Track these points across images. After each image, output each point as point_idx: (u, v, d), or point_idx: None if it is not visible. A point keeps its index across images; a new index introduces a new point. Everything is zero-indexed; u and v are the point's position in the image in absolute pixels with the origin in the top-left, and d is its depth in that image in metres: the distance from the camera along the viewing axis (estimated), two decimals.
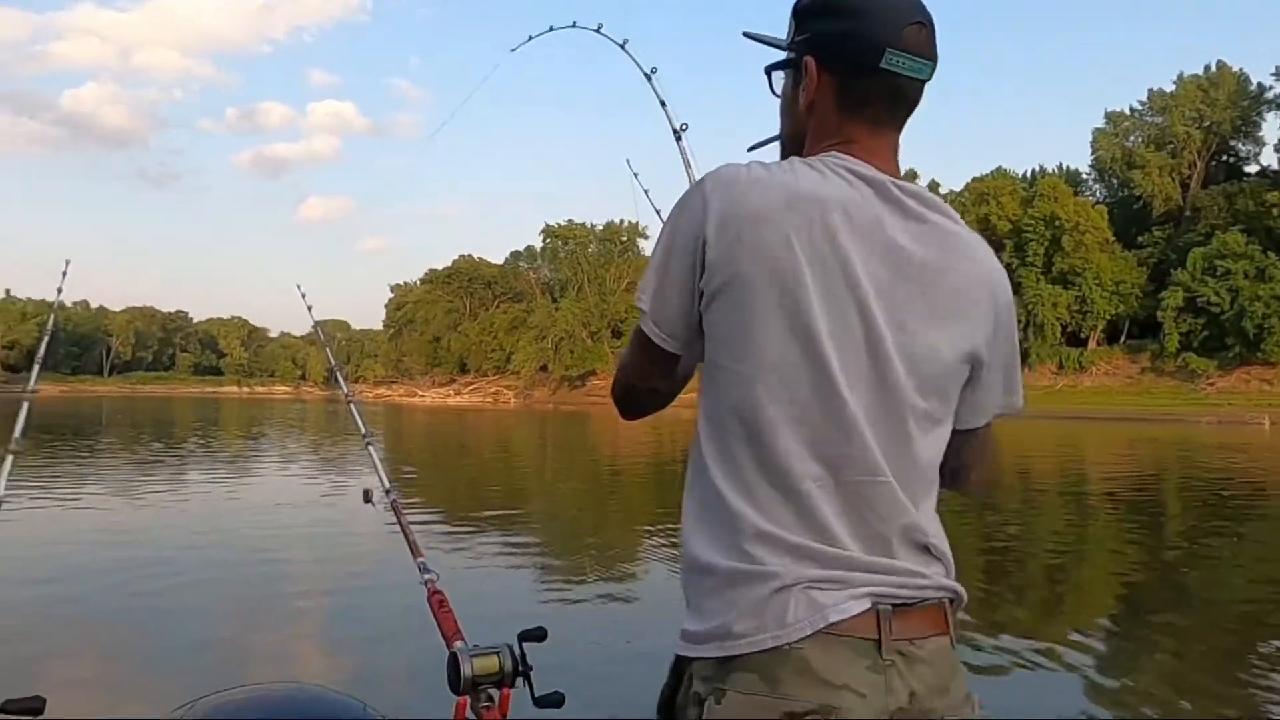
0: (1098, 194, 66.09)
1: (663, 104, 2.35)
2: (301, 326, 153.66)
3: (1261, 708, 4.62)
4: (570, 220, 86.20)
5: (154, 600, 6.26)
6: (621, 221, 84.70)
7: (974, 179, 64.28)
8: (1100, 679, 5.04)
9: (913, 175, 72.10)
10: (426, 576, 1.96)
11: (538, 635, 1.62)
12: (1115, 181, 64.76)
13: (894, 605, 1.06)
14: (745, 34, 1.30)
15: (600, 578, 7.51)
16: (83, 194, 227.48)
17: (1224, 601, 7.12)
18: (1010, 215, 59.61)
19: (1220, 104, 58.75)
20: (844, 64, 1.16)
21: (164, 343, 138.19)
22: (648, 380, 1.26)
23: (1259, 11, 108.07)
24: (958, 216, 1.19)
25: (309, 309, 3.25)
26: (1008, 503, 14.22)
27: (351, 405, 2.74)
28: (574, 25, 2.79)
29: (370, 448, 2.50)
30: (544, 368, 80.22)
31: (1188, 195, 59.36)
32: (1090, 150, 65.97)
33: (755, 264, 1.07)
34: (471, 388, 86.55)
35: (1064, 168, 66.58)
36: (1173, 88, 61.17)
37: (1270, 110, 58.96)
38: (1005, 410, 1.24)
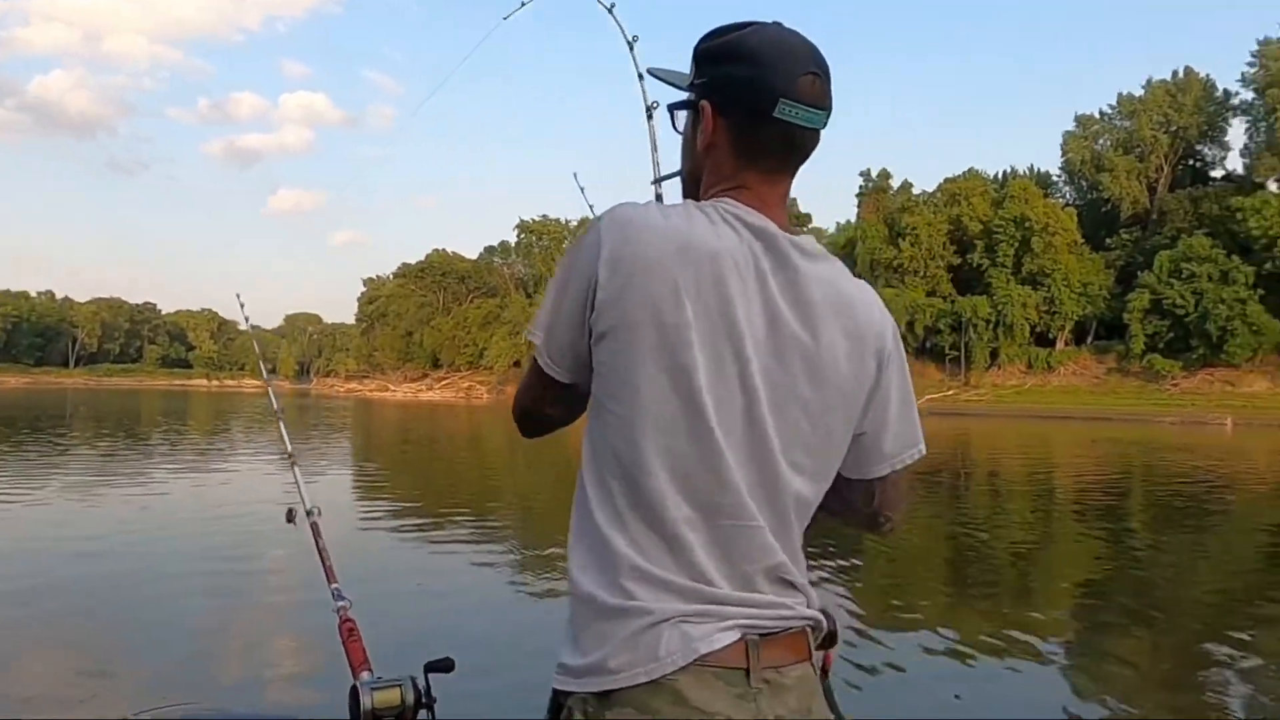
0: (1067, 196, 66.87)
1: (640, 76, 2.25)
2: (272, 320, 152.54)
3: (1216, 701, 4.73)
4: (545, 216, 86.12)
5: (33, 618, 5.80)
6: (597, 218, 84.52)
7: (946, 180, 64.74)
8: (1060, 675, 5.15)
9: (886, 175, 72.13)
10: (339, 604, 1.93)
11: (445, 666, 1.60)
12: (1084, 184, 65.53)
13: (760, 635, 1.10)
14: (649, 70, 1.32)
15: (532, 597, 7.03)
16: (49, 182, 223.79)
17: (1182, 600, 7.26)
18: (981, 216, 60.14)
19: (1187, 109, 59.60)
20: (739, 110, 1.18)
21: (131, 334, 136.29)
22: (541, 406, 1.28)
23: (1226, 19, 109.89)
24: (844, 269, 1.21)
25: (245, 319, 3.18)
26: (976, 501, 14.42)
27: (280, 423, 2.69)
28: None
29: (295, 467, 2.45)
30: (517, 363, 79.86)
31: (1155, 199, 60.20)
32: (1060, 153, 66.77)
33: (642, 310, 1.08)
34: (444, 383, 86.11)
35: (1034, 170, 67.29)
36: (1141, 92, 62.00)
37: (1235, 116, 59.93)
38: (903, 460, 1.25)
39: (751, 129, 1.18)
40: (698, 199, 1.21)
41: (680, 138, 1.30)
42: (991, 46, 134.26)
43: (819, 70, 1.17)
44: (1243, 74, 56.93)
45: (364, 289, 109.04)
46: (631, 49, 2.32)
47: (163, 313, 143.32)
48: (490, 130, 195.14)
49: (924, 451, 1.27)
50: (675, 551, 1.10)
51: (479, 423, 39.38)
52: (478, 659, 4.73)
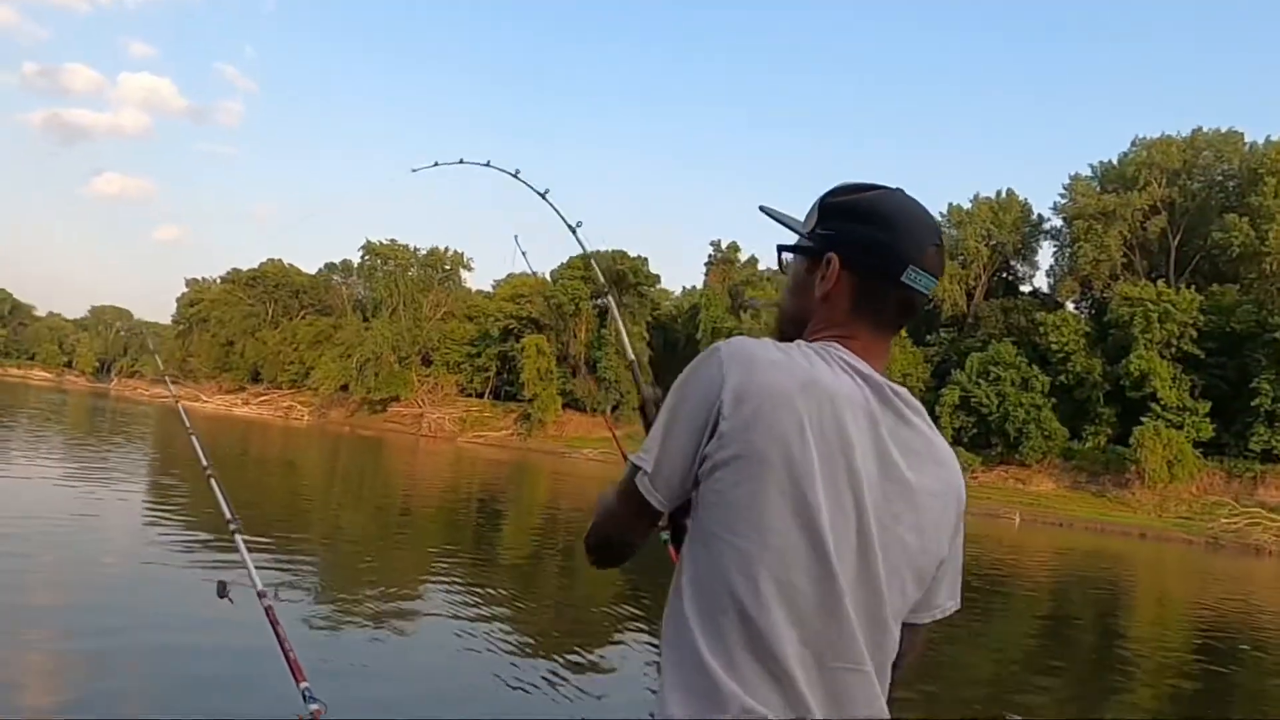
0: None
1: (562, 217, 2.75)
2: (76, 309, 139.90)
3: None
4: (394, 239, 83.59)
5: None
6: (446, 249, 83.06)
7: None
8: None
9: (735, 248, 74.19)
10: (312, 707, 1.64)
11: None
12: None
13: None
14: (761, 208, 1.41)
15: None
16: None
17: (960, 679, 7.57)
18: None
19: (1006, 226, 65.20)
20: (866, 270, 1.25)
21: None
22: (628, 534, 1.28)
23: (1046, 150, 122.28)
24: (931, 422, 1.28)
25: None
26: None
27: (193, 438, 2.32)
28: (488, 164, 3.13)
29: (238, 536, 2.07)
30: (344, 387, 76.61)
31: (972, 304, 65.18)
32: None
33: (769, 442, 1.10)
34: (262, 399, 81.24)
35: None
36: (969, 205, 67.47)
37: (1045, 239, 66.09)
38: (947, 611, 1.29)
39: (875, 288, 1.25)
40: (793, 339, 1.24)
41: (788, 276, 1.36)
42: (831, 151, 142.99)
43: (941, 242, 1.27)
44: (1055, 202, 63.05)
45: (186, 289, 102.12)
46: (575, 232, 2.71)
47: None
48: (346, 143, 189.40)
49: (960, 605, 1.31)
50: (785, 692, 1.09)
51: (295, 446, 37.22)
52: None
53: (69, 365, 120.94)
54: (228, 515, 2.25)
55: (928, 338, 64.75)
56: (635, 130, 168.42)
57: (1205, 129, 58.21)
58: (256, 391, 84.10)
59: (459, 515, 18.10)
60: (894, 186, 1.28)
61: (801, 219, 1.35)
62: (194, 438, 2.98)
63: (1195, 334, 48.71)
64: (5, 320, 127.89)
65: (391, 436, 59.45)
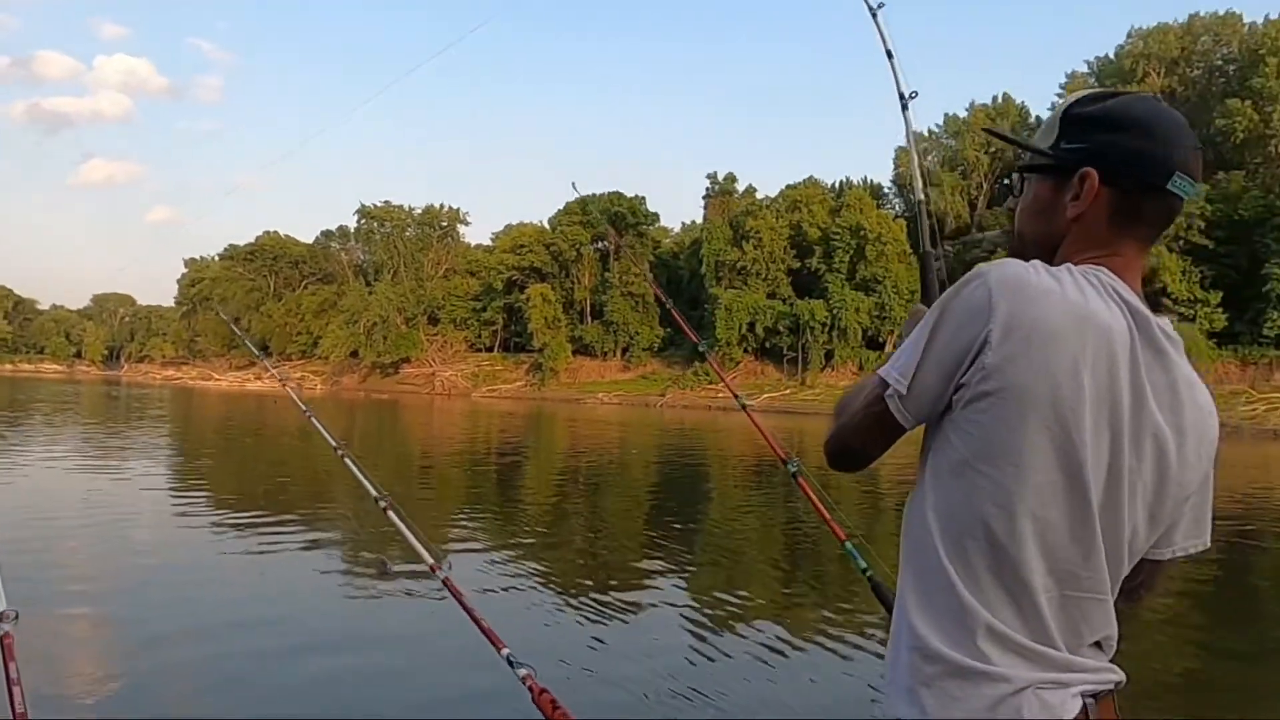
0: (897, 208, 70.70)
1: (889, 55, 2.45)
2: (78, 299, 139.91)
3: None
4: (387, 201, 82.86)
5: None
6: (442, 206, 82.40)
7: (788, 186, 67.04)
8: None
9: (732, 179, 73.89)
10: (522, 671, 1.61)
11: None
12: (912, 197, 69.18)
13: (1092, 697, 1.14)
14: (986, 130, 1.26)
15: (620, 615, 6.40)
16: None
17: None
18: (820, 223, 62.63)
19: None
20: (1130, 181, 1.18)
21: None
22: (871, 447, 1.27)
23: (1040, 52, 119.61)
24: (1185, 358, 1.21)
25: None
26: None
27: (313, 419, 2.26)
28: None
29: (389, 512, 2.03)
30: (354, 353, 76.80)
31: (975, 214, 64.57)
32: (892, 166, 70.49)
33: (1039, 380, 1.08)
34: (278, 372, 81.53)
35: (868, 181, 70.75)
36: (965, 114, 66.34)
37: None
38: (1185, 550, 1.27)
39: (1138, 202, 1.19)
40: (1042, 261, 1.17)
41: (1025, 198, 1.29)
42: (828, 61, 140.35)
43: (1199, 145, 1.20)
44: (1052, 103, 61.64)
45: (185, 270, 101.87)
46: (876, 16, 2.51)
47: None
48: (329, 110, 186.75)
49: (1208, 544, 1.28)
50: (1030, 618, 1.12)
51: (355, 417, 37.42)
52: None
53: (78, 356, 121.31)
54: (375, 493, 2.21)
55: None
56: (624, 71, 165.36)
57: (1202, 13, 56.91)
58: (267, 365, 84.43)
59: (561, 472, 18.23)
60: (1133, 91, 1.23)
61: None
62: (314, 419, 2.91)
63: (1203, 224, 48.17)
64: (10, 316, 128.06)
65: (406, 398, 59.76)
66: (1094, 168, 1.18)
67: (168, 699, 4.59)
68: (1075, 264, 1.17)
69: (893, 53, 2.52)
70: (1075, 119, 1.22)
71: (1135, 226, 1.20)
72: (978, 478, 1.11)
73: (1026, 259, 1.17)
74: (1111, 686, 1.17)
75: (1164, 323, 1.17)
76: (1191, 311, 47.70)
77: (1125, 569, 1.18)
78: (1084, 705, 1.12)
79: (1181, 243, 48.62)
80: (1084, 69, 60.93)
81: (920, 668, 1.13)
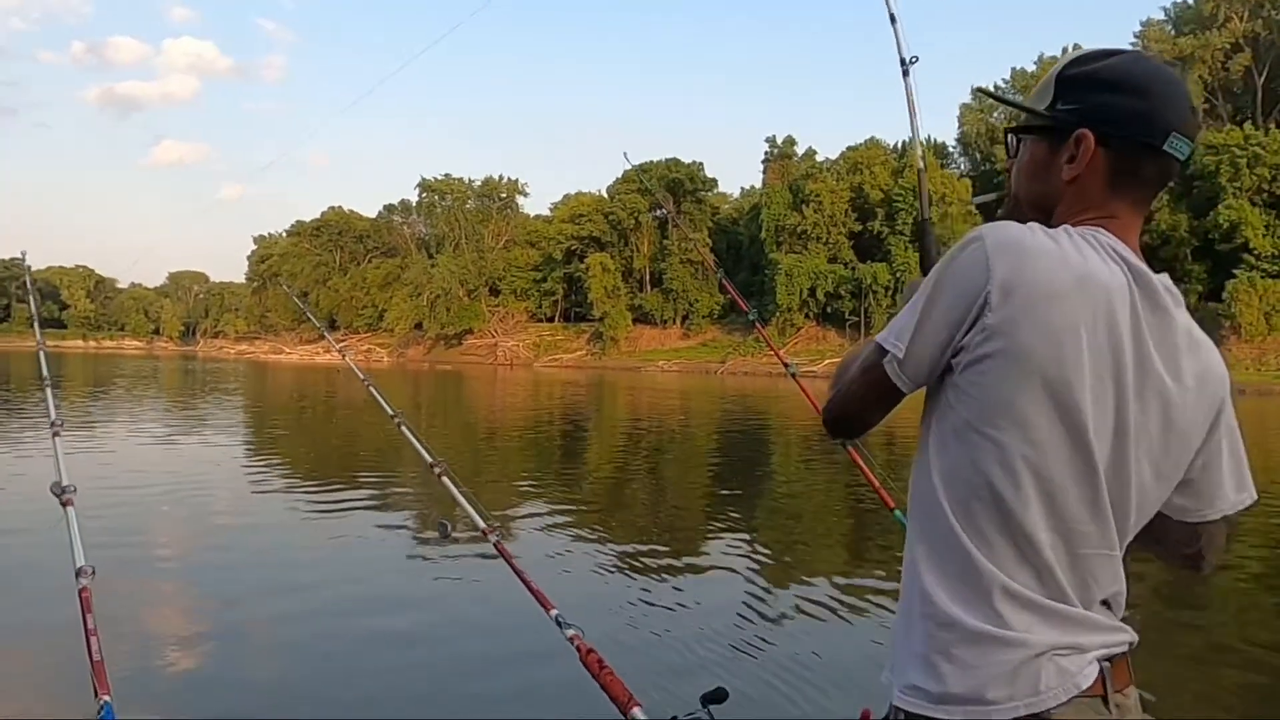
0: (962, 167, 68.89)
1: (892, 18, 2.41)
2: (154, 277, 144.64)
3: None
4: (448, 174, 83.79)
5: None
6: (501, 177, 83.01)
7: (849, 148, 65.78)
8: None
9: (791, 142, 72.71)
10: (569, 632, 1.68)
11: (719, 697, 1.44)
12: (979, 156, 67.50)
13: (1109, 660, 1.14)
14: (976, 89, 1.36)
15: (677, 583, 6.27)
16: None
17: None
18: (882, 185, 61.41)
19: None
20: (1126, 142, 1.18)
21: None
22: (869, 413, 1.27)
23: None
24: (1188, 313, 1.21)
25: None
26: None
27: (371, 389, 2.34)
28: None
29: (444, 478, 2.13)
30: (419, 325, 78.15)
31: None
32: (957, 125, 68.58)
33: (1039, 340, 1.07)
34: (341, 345, 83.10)
35: (932, 140, 68.99)
36: (1033, 68, 64.03)
37: None
38: (1237, 505, 1.25)
39: (1134, 162, 1.18)
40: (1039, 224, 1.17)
41: (1021, 160, 1.29)
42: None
43: (1194, 105, 1.21)
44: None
45: (255, 247, 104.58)
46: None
47: (33, 269, 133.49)
48: (389, 86, 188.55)
49: (1255, 498, 1.26)
50: (1044, 576, 1.12)
51: (386, 386, 38.27)
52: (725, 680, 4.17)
53: (156, 332, 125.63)
54: (429, 459, 2.30)
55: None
56: (680, 37, 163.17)
57: None
58: (336, 338, 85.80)
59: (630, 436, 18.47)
60: (1127, 49, 1.21)
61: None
62: (372, 389, 3.02)
63: None
64: (92, 295, 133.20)
65: (470, 368, 60.70)
66: (1089, 129, 1.18)
67: (239, 656, 4.80)
68: (1073, 225, 1.17)
69: (895, 16, 2.49)
70: (1070, 80, 1.22)
71: (1132, 187, 1.20)
72: (981, 440, 1.11)
73: (1023, 221, 1.17)
74: (1125, 649, 1.17)
75: (1164, 279, 1.17)
76: (1277, 267, 45.68)
77: (1134, 525, 1.17)
78: (1101, 670, 1.12)
79: (1265, 195, 46.48)
80: (1160, 15, 58.18)
81: (936, 634, 1.13)
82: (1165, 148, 1.17)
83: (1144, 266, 1.15)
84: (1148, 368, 1.13)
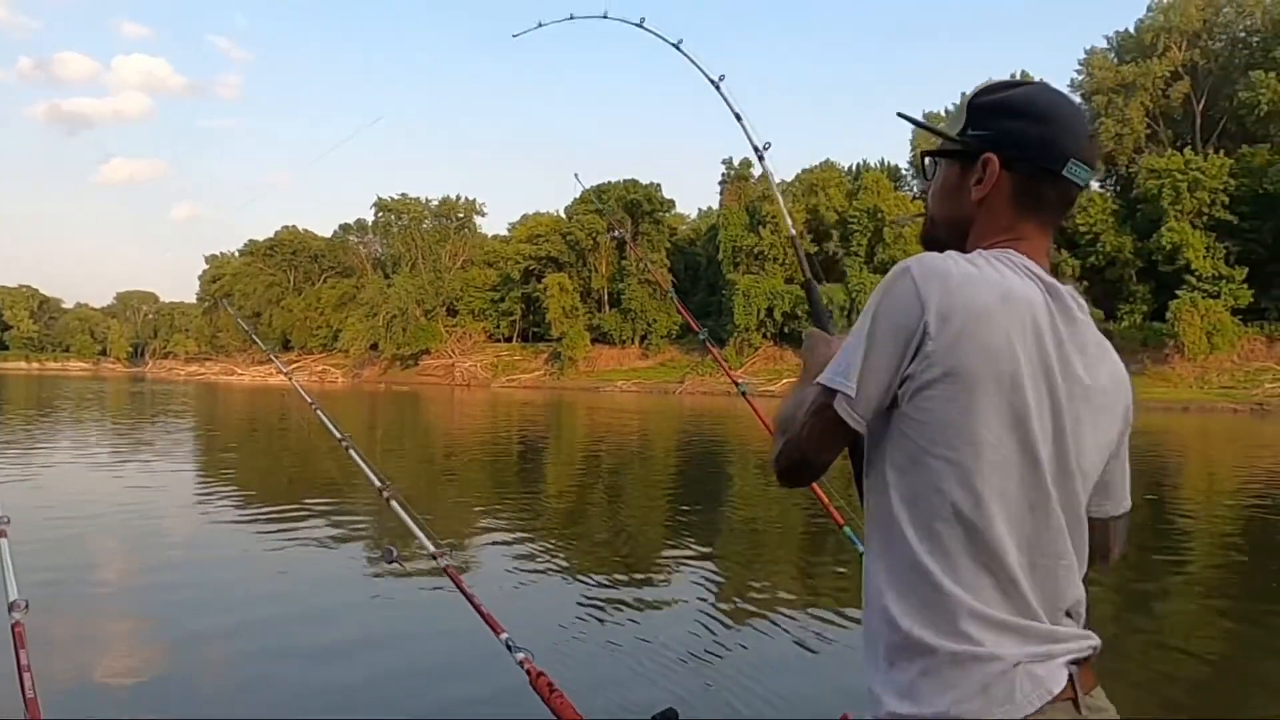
0: (914, 189, 70.10)
1: (738, 117, 2.55)
2: (101, 297, 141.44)
3: None
4: (404, 194, 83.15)
5: None
6: (458, 197, 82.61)
7: (804, 170, 66.63)
8: None
9: (748, 164, 73.04)
10: (520, 655, 1.64)
11: (669, 717, 1.44)
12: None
13: (1075, 664, 1.17)
14: (899, 114, 1.41)
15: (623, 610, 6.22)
16: None
17: None
18: (837, 207, 62.26)
19: None
20: (1028, 166, 1.24)
21: None
22: (824, 455, 1.28)
23: (1058, 27, 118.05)
24: (1092, 320, 1.27)
25: None
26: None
27: (318, 412, 2.29)
28: (605, 15, 2.96)
29: (393, 502, 2.10)
30: (374, 346, 77.27)
31: None
32: (910, 148, 69.84)
33: (979, 358, 1.12)
34: (295, 366, 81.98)
35: (885, 163, 70.20)
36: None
37: None
38: (1129, 504, 1.34)
39: (1037, 186, 1.25)
40: (945, 247, 1.23)
41: (936, 182, 1.34)
42: (845, 44, 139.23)
43: (1093, 132, 1.29)
44: (1071, 79, 60.99)
45: (206, 267, 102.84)
46: (719, 88, 2.63)
47: None
48: (346, 105, 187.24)
49: (1130, 505, 1.36)
50: (1010, 593, 1.14)
51: (338, 408, 37.74)
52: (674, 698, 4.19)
53: (103, 353, 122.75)
54: (378, 484, 2.25)
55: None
56: (638, 55, 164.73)
57: None
58: (289, 359, 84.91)
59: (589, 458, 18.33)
60: (1034, 81, 1.29)
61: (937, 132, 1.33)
62: (319, 411, 2.97)
63: (1227, 200, 47.44)
64: (36, 315, 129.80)
65: (426, 389, 60.09)
66: (995, 153, 1.25)
67: (181, 691, 4.66)
68: (985, 249, 1.24)
69: (740, 115, 2.66)
70: (980, 107, 1.28)
71: (1036, 210, 1.26)
72: (937, 463, 1.15)
73: (938, 240, 1.28)
74: (1090, 652, 1.20)
75: (1071, 290, 1.23)
76: (1217, 288, 47.06)
77: (1086, 526, 1.22)
78: (1070, 675, 1.15)
79: (1205, 218, 47.94)
80: (1103, 44, 60.00)
81: (906, 660, 1.14)
82: (1064, 173, 1.24)
83: (1054, 280, 1.22)
84: (1072, 372, 1.19)
